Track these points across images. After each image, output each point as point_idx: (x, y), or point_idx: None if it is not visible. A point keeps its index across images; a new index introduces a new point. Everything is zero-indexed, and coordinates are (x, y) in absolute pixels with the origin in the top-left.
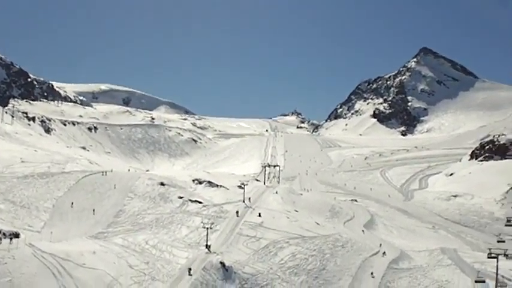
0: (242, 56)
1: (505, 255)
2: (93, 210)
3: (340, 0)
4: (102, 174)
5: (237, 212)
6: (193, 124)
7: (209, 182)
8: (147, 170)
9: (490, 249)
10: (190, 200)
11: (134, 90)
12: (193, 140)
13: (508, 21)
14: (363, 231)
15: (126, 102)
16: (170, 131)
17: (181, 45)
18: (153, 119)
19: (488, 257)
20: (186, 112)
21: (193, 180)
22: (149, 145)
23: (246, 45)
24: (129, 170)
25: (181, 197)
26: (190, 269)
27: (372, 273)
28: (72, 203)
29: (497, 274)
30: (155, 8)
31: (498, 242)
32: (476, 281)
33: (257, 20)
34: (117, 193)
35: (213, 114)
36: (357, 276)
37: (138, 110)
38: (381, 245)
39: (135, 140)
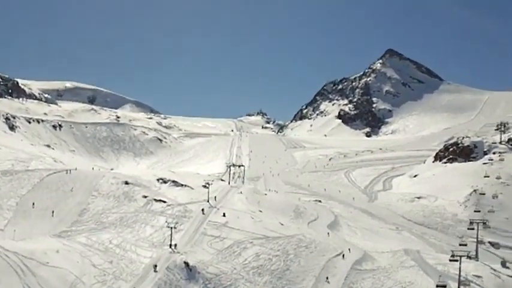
0: (208, 56)
1: (468, 256)
2: (57, 208)
3: (306, 0)
4: (67, 173)
5: (203, 210)
6: (159, 123)
7: (174, 182)
8: (112, 169)
9: (453, 251)
10: (154, 199)
11: (99, 89)
12: (159, 139)
13: (473, 24)
14: (328, 233)
15: (91, 101)
16: (135, 129)
17: (147, 43)
18: (118, 117)
19: (450, 260)
20: (152, 111)
21: (158, 180)
22: (114, 144)
23: (211, 44)
24: (93, 169)
25: (145, 196)
26: (156, 266)
27: (327, 278)
28: (33, 204)
29: (459, 276)
30: (120, 5)
31: (460, 245)
32: (437, 286)
33: (222, 19)
34: (81, 192)
35: (179, 114)
36: (320, 277)
37: (103, 108)
38: (350, 250)
39: (100, 139)
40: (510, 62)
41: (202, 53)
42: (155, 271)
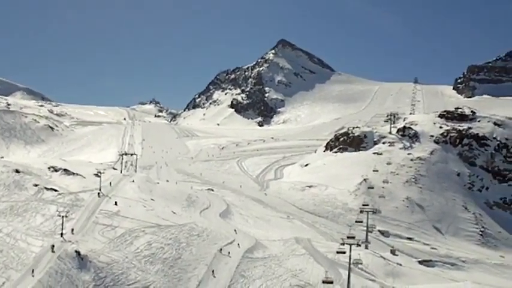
0: (99, 43)
1: (358, 245)
2: None
3: None
4: None
5: (99, 194)
6: (50, 111)
7: (65, 170)
8: (2, 157)
9: (343, 239)
10: (45, 188)
11: None
12: (50, 127)
13: (364, 16)
14: (235, 231)
15: None
16: (26, 117)
17: (38, 29)
18: (8, 104)
19: (338, 252)
20: (43, 99)
21: (49, 168)
22: (4, 131)
23: (104, 31)
24: None
25: (36, 185)
26: (53, 246)
27: (213, 272)
28: None
29: (349, 264)
30: None
31: (348, 237)
32: (323, 282)
33: (116, 7)
34: None
35: (71, 102)
36: (212, 265)
37: None
38: (238, 245)
39: None
40: (399, 54)
41: (94, 40)
42: (53, 251)
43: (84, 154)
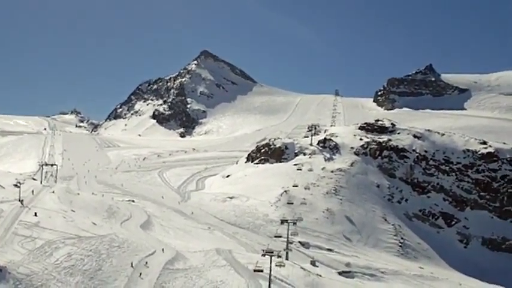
0: (20, 50)
1: (278, 256)
2: None
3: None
4: None
5: (22, 201)
6: None
7: None
8: None
9: (263, 250)
10: None
11: None
12: None
13: (283, 28)
14: (162, 250)
15: None
16: None
17: None
18: None
19: (255, 271)
20: None
21: None
22: None
23: (21, 38)
24: None
25: None
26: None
27: (131, 264)
28: None
29: (270, 276)
30: None
31: (267, 252)
32: None
33: (36, 13)
34: None
35: None
36: (132, 277)
37: None
38: (163, 249)
39: None
40: (320, 67)
41: (15, 46)
42: None
43: (3, 164)
